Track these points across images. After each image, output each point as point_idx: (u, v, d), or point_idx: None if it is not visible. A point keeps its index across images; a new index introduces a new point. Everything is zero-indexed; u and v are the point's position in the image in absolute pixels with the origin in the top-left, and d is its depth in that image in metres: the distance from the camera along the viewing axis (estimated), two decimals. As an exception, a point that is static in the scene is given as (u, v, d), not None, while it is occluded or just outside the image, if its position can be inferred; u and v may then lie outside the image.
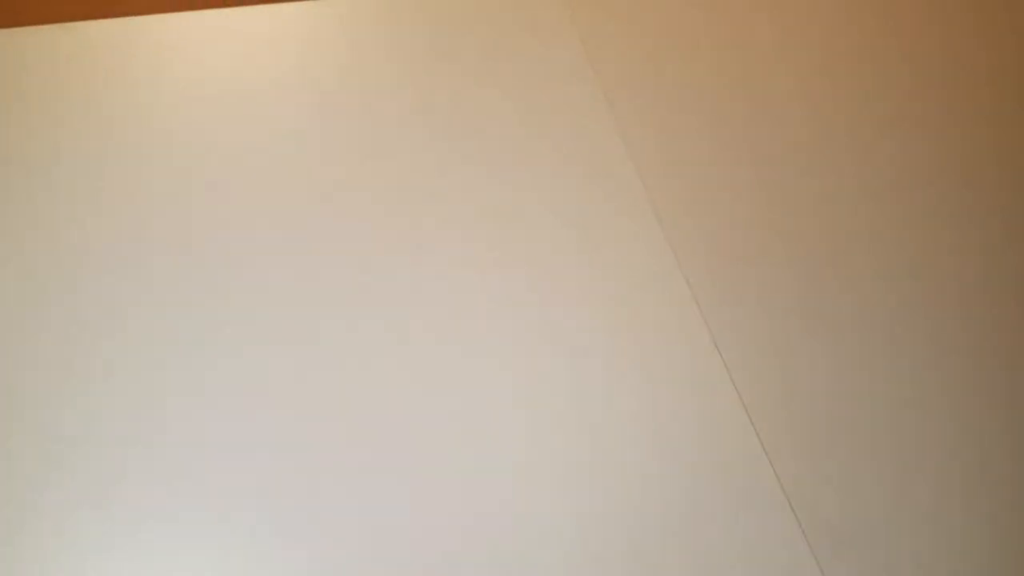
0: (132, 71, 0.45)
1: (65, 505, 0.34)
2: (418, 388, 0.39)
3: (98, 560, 0.33)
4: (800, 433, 0.42)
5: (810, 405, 0.44)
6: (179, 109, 0.46)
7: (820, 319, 0.47)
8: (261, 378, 0.38)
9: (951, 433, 0.45)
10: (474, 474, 0.37)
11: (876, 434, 0.44)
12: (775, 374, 0.44)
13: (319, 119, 0.44)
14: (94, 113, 0.41)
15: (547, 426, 0.40)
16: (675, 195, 0.47)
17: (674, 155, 0.49)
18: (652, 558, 0.37)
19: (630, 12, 0.52)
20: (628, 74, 0.50)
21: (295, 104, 0.45)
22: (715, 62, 0.53)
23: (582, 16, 0.50)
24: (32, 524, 0.34)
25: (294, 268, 0.41)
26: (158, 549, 0.34)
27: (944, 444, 0.45)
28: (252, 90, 0.45)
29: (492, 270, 0.42)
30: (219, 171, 0.42)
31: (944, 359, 0.48)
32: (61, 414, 0.35)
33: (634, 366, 0.42)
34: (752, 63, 0.53)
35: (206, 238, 0.41)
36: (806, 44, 0.56)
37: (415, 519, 0.35)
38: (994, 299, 0.51)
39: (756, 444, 0.40)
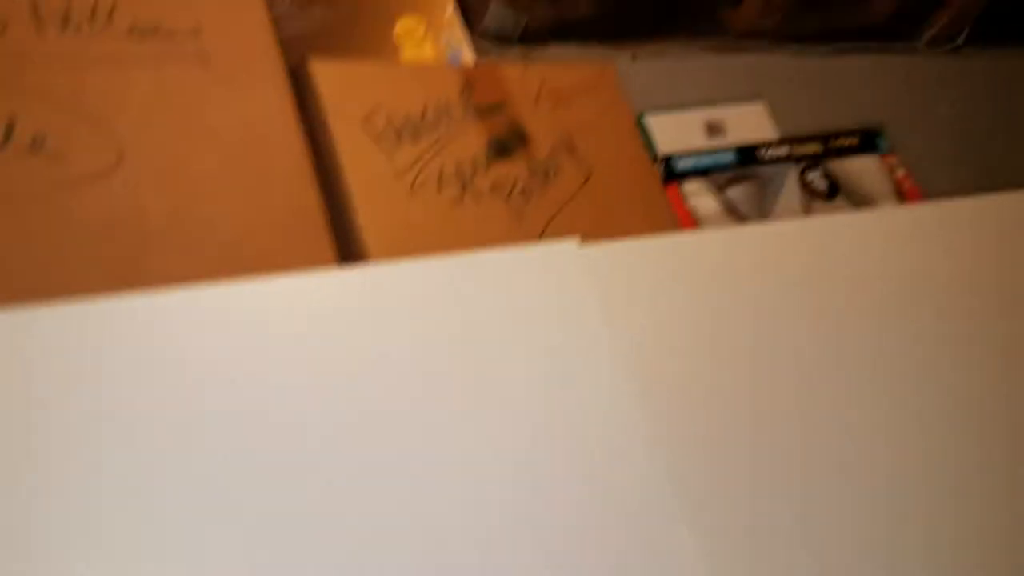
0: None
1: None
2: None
3: None
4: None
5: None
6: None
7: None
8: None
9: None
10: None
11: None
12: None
13: (328, 384, 0.47)
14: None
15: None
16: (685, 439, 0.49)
17: (693, 421, 0.51)
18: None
19: (653, 280, 0.55)
20: (647, 341, 0.53)
21: (303, 372, 0.47)
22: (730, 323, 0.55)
23: (602, 278, 0.54)
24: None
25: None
26: None
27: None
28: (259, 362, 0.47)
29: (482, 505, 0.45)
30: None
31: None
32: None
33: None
34: (772, 330, 0.55)
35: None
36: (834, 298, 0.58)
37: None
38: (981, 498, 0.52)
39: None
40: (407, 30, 0.65)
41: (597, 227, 0.63)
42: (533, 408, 0.48)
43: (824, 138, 0.83)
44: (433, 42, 0.66)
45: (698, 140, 0.83)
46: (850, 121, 0.92)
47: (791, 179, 0.79)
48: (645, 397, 0.50)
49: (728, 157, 0.79)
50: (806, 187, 0.79)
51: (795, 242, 0.59)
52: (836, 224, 0.66)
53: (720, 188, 0.76)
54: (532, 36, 1.20)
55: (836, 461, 0.52)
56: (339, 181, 0.53)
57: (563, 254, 0.54)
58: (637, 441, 0.48)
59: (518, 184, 0.61)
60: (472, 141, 0.60)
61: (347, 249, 0.52)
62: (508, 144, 0.62)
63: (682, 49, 1.25)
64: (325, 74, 0.54)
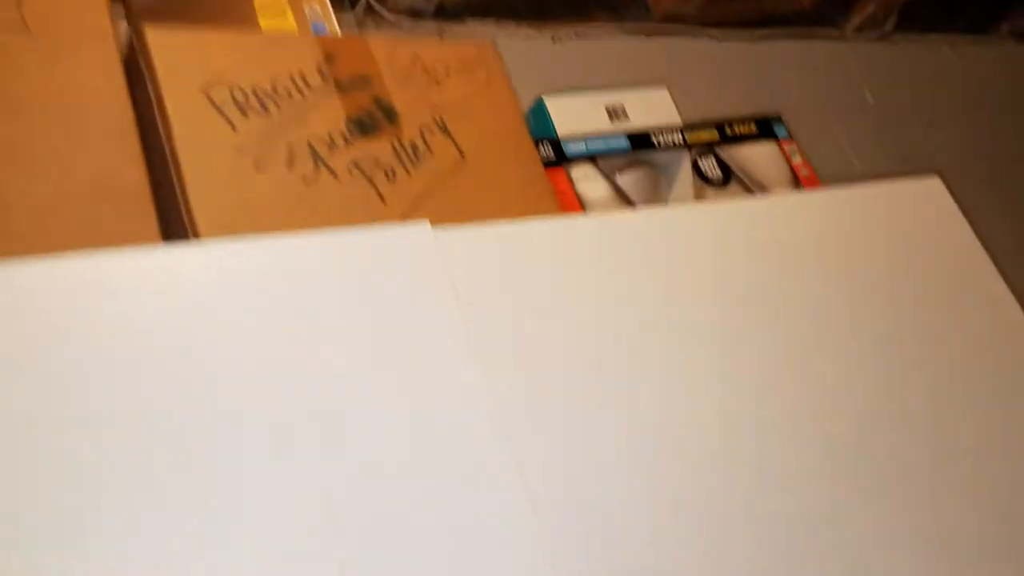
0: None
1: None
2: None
3: None
4: None
5: None
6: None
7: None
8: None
9: None
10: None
11: None
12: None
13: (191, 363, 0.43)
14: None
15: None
16: (540, 450, 0.46)
17: (543, 409, 0.48)
18: None
19: (510, 267, 0.52)
20: (500, 329, 0.50)
21: (125, 358, 0.44)
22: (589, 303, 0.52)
23: (455, 264, 0.50)
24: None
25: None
26: None
27: None
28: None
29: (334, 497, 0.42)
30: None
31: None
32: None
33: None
34: (628, 318, 0.52)
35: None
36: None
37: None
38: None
39: None
40: (267, -2, 0.61)
41: (470, 211, 0.60)
42: (377, 396, 0.46)
43: (720, 125, 0.82)
44: (295, 11, 0.62)
45: (599, 125, 0.81)
46: (765, 109, 0.91)
47: (684, 166, 0.78)
48: (495, 387, 0.48)
49: (621, 142, 0.77)
50: (699, 174, 0.78)
51: (651, 230, 0.58)
52: (706, 212, 0.65)
53: (611, 174, 0.75)
54: (448, 12, 1.16)
55: (708, 451, 0.50)
56: (172, 155, 0.50)
57: (415, 237, 0.51)
58: (486, 430, 0.46)
59: (381, 164, 0.58)
60: (331, 116, 0.57)
61: (179, 229, 0.49)
62: (372, 121, 0.59)
63: (604, 31, 1.23)
64: (161, 41, 0.51)
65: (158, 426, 0.41)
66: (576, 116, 0.82)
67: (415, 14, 1.12)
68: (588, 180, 0.73)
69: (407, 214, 0.57)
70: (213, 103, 0.52)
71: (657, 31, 1.26)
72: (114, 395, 0.40)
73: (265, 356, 0.44)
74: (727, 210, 0.65)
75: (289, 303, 0.46)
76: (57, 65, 0.48)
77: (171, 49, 0.51)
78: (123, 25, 0.57)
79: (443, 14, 1.16)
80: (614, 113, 0.83)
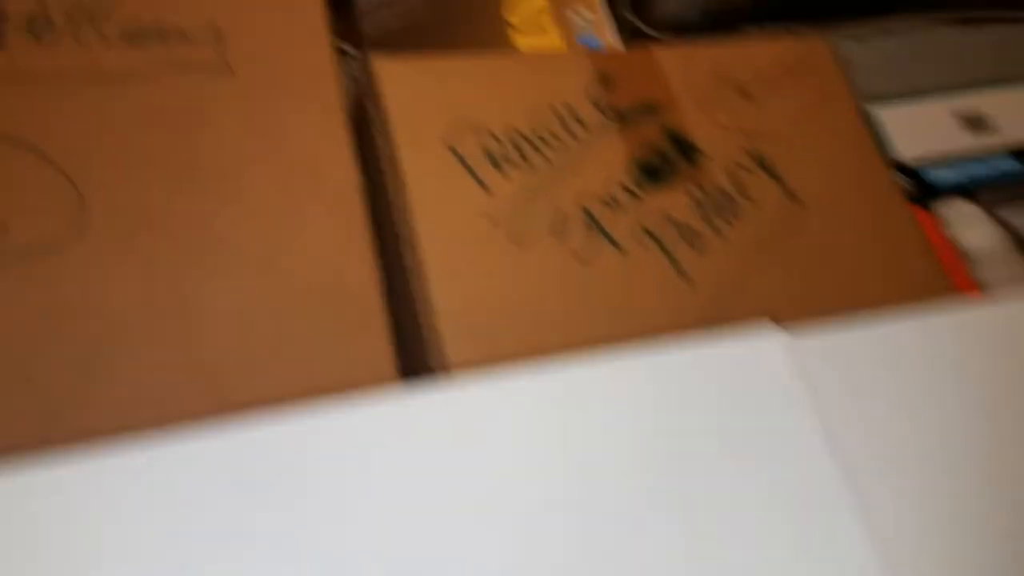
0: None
1: None
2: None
3: None
4: None
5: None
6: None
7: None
8: None
9: None
10: None
11: None
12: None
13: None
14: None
15: None
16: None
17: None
18: None
19: (896, 381, 0.36)
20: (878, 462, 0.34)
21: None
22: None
23: (818, 381, 0.35)
24: None
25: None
26: None
27: None
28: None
29: None
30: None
31: None
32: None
33: None
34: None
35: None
36: None
37: None
38: None
39: None
40: (523, 8, 0.47)
41: (813, 293, 0.41)
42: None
43: None
44: (559, 24, 0.47)
45: (957, 141, 0.58)
46: None
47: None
48: (879, 538, 0.28)
49: (1008, 165, 0.53)
50: None
51: None
52: None
53: (995, 210, 0.51)
54: (719, 20, 0.97)
55: None
56: (407, 227, 0.36)
57: (763, 349, 0.33)
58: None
59: (679, 224, 0.41)
60: (610, 162, 0.41)
61: (410, 332, 0.35)
62: (664, 162, 0.42)
63: (912, 28, 0.98)
64: (393, 76, 0.38)
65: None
66: (921, 132, 0.59)
67: (682, 27, 0.94)
68: (966, 222, 0.50)
69: (720, 300, 0.39)
70: (457, 154, 0.38)
71: (982, 18, 0.97)
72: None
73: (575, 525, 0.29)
74: None
75: (591, 464, 0.31)
76: (264, 119, 0.37)
77: (405, 84, 0.38)
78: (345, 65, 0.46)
79: (714, 24, 0.97)
80: (971, 123, 0.60)
